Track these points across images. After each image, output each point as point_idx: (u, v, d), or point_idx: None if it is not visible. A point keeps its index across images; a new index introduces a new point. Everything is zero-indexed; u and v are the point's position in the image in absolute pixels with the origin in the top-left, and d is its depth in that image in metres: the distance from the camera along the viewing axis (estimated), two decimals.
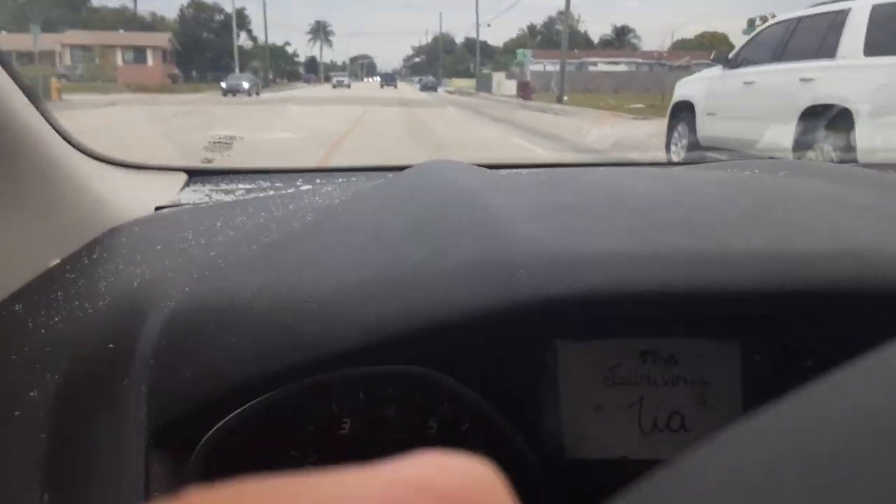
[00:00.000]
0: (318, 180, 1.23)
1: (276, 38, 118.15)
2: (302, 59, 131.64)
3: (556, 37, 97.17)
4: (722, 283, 0.54)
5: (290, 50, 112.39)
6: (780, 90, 6.58)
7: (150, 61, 51.97)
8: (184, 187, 1.19)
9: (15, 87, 0.76)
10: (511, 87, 46.16)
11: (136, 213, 0.93)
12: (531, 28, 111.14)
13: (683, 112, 8.28)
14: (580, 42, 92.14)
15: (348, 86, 60.50)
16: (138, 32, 59.33)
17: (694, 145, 7.74)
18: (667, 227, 0.61)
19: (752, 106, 6.88)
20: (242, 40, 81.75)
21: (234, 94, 29.76)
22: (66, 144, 0.89)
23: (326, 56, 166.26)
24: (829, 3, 6.45)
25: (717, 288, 0.54)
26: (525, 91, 35.39)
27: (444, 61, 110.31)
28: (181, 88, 44.54)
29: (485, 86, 58.08)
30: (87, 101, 18.71)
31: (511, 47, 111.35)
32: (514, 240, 0.59)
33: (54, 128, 0.86)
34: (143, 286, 0.66)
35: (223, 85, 31.87)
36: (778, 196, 0.74)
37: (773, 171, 0.93)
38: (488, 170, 0.95)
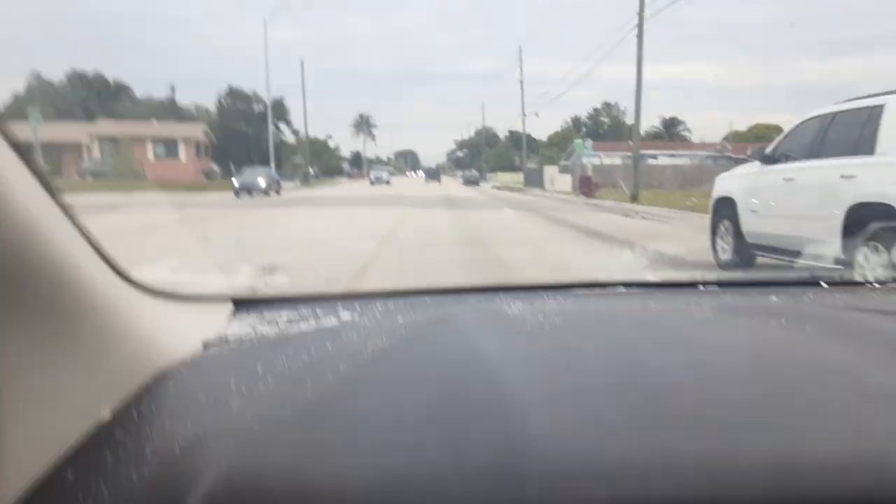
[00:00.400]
0: (357, 305, 1.25)
1: (318, 132, 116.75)
2: (346, 153, 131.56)
3: (602, 129, 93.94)
4: (729, 498, 0.55)
5: (332, 144, 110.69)
6: (821, 187, 6.40)
7: (182, 156, 49.28)
8: (231, 318, 1.19)
9: (58, 210, 0.76)
10: (565, 181, 41.82)
11: (184, 350, 0.93)
12: (575, 120, 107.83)
13: (725, 208, 8.19)
14: (626, 134, 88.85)
15: (388, 182, 56.36)
16: (171, 123, 57.09)
17: (740, 243, 7.64)
18: (677, 421, 0.65)
19: (795, 203, 6.71)
20: (283, 133, 79.97)
21: (250, 193, 25.76)
22: (113, 275, 0.88)
23: (371, 150, 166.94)
24: (863, 97, 6.36)
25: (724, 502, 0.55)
26: (587, 186, 31.04)
27: (486, 155, 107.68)
28: (214, 185, 41.12)
29: (534, 180, 53.87)
30: (89, 204, 17.28)
31: (555, 140, 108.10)
32: (526, 439, 0.63)
33: (100, 255, 0.85)
34: (185, 452, 0.68)
35: (235, 183, 28.19)
36: (796, 374, 0.75)
37: (801, 324, 0.94)
38: (509, 320, 1.01)
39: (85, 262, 0.78)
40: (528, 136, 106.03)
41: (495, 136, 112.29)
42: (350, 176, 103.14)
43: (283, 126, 74.91)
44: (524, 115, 58.75)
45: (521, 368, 0.77)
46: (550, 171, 47.08)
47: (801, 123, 7.24)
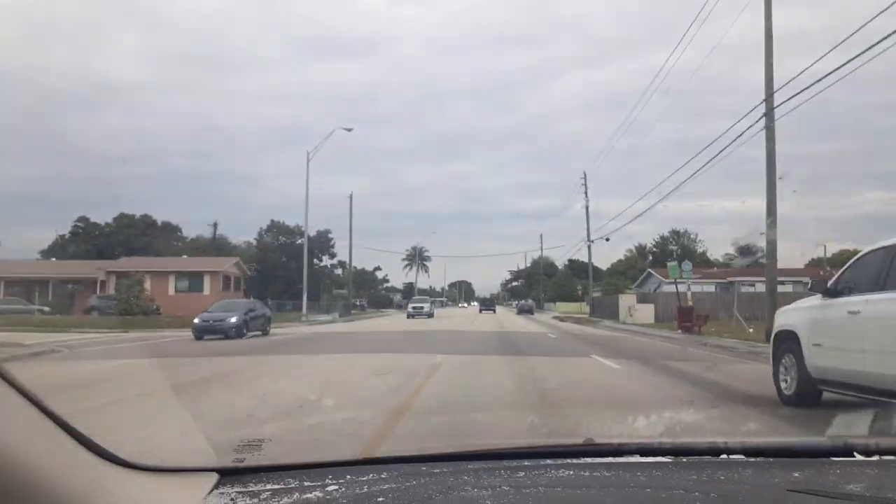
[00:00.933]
0: (348, 476, 1.22)
1: (369, 264, 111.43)
2: (399, 284, 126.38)
3: (670, 258, 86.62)
4: None
5: (380, 275, 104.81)
6: (890, 321, 6.15)
7: (206, 289, 44.34)
8: (212, 490, 1.15)
9: (18, 398, 0.76)
10: (646, 312, 34.37)
11: None
12: (640, 248, 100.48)
13: (787, 342, 8.00)
14: (699, 263, 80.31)
15: (430, 314, 48.46)
16: (200, 258, 53.02)
17: (804, 378, 7.36)
18: None
19: (861, 337, 6.45)
20: (329, 263, 75.35)
21: (220, 335, 19.25)
22: (85, 452, 0.86)
23: (424, 282, 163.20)
24: None
25: None
26: (689, 319, 23.61)
27: (545, 284, 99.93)
28: None
29: (604, 310, 46.42)
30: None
31: (620, 268, 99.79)
32: None
33: (70, 434, 0.83)
34: None
35: (195, 321, 20.75)
36: None
37: None
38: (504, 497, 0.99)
39: (54, 447, 0.77)
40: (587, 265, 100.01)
41: (552, 265, 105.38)
42: (401, 307, 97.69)
43: (327, 259, 71.13)
44: (590, 240, 52.42)
45: None
46: (627, 300, 39.85)
47: (865, 255, 7.12)
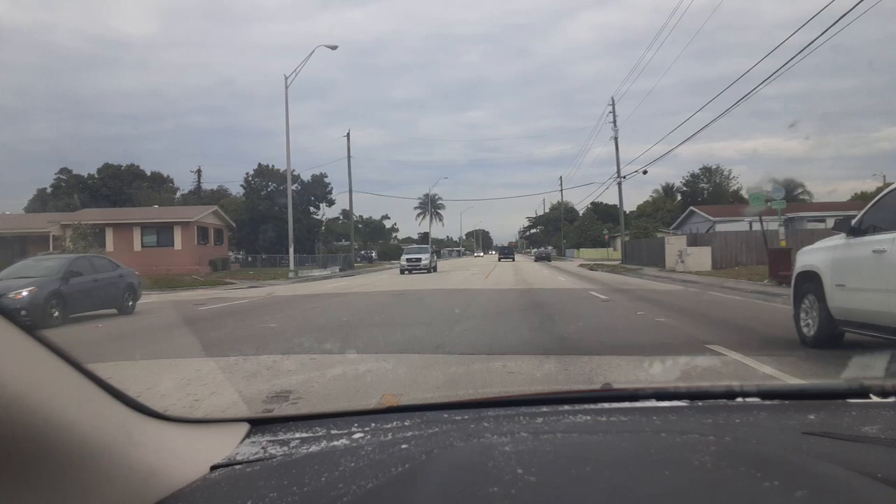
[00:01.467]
0: (372, 424, 1.27)
1: (375, 212, 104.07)
2: (414, 235, 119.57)
3: (702, 196, 78.90)
4: None
5: (388, 223, 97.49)
6: None
7: (177, 243, 38.17)
8: (244, 439, 1.20)
9: (53, 358, 0.80)
10: (701, 257, 27.63)
11: (191, 474, 0.95)
12: (667, 189, 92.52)
13: (809, 283, 7.81)
14: (733, 202, 72.99)
15: (430, 267, 38.51)
16: (174, 208, 46.79)
17: (826, 319, 7.24)
18: None
19: (886, 277, 6.23)
20: (327, 214, 68.32)
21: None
22: (118, 405, 0.91)
23: (439, 231, 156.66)
24: None
25: None
26: (784, 265, 16.95)
27: (566, 230, 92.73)
28: (214, 278, 29.55)
29: (638, 256, 39.72)
30: None
31: (647, 210, 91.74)
32: None
33: (104, 388, 0.88)
34: None
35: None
36: None
37: (839, 457, 0.92)
38: (528, 442, 1.01)
39: (86, 400, 0.82)
40: (614, 208, 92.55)
41: (572, 210, 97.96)
42: None
43: (325, 207, 64.70)
44: (621, 176, 45.40)
45: (529, 497, 0.76)
46: (676, 244, 32.84)
47: (889, 193, 6.85)
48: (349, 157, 49.20)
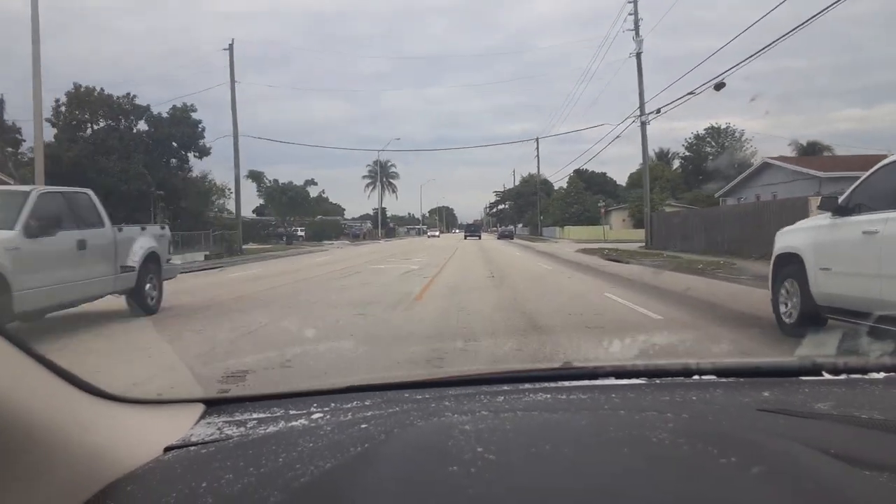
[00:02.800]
0: (332, 404, 1.25)
1: (328, 191, 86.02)
2: (369, 210, 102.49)
3: (707, 162, 63.87)
4: None
5: (314, 191, 68.62)
6: None
7: None
8: (199, 419, 1.18)
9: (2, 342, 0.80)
10: None
11: (143, 456, 0.93)
12: (662, 154, 77.26)
13: (790, 266, 7.33)
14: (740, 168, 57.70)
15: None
16: None
17: (808, 306, 6.83)
18: None
19: (879, 260, 5.84)
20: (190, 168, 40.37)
21: None
22: (69, 387, 0.90)
23: (396, 207, 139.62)
24: None
25: None
26: None
27: (545, 204, 77.09)
28: None
29: (688, 236, 24.55)
30: None
31: (639, 180, 75.63)
32: None
33: (53, 370, 0.88)
34: None
35: None
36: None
37: (789, 432, 0.94)
38: (485, 421, 1.00)
39: (29, 381, 0.81)
40: (602, 178, 77.06)
41: (546, 182, 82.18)
42: (355, 236, 74.25)
43: (195, 158, 39.51)
44: (644, 114, 29.87)
45: (489, 476, 0.76)
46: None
47: (881, 169, 6.33)
48: (233, 79, 32.56)
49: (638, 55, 30.24)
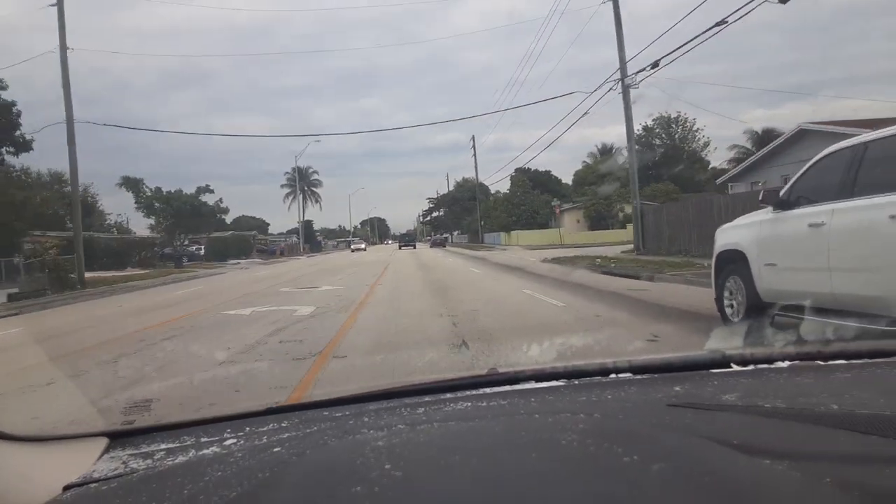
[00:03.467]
0: (247, 428, 1.19)
1: (252, 210, 76.07)
2: (293, 224, 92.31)
3: (657, 153, 58.24)
4: None
5: (210, 200, 56.22)
6: (864, 231, 5.35)
7: None
8: (102, 454, 1.12)
9: None
10: None
11: (40, 497, 0.88)
12: (605, 150, 72.06)
13: (733, 264, 7.12)
14: (698, 168, 59.65)
15: None
16: None
17: (755, 303, 6.59)
18: None
19: (827, 253, 5.66)
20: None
21: None
22: None
23: (323, 219, 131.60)
24: None
25: None
26: None
27: (485, 206, 69.85)
28: None
29: (693, 235, 17.18)
30: None
31: (585, 179, 70.34)
32: None
33: None
34: None
35: None
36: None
37: (699, 427, 0.96)
38: (405, 435, 0.98)
39: None
40: (547, 176, 70.09)
41: (483, 185, 75.86)
42: (272, 253, 64.55)
43: (11, 156, 27.52)
44: (626, 75, 22.40)
45: (393, 494, 0.75)
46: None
47: (822, 159, 6.12)
48: (63, 43, 23.48)
49: (615, 11, 23.06)
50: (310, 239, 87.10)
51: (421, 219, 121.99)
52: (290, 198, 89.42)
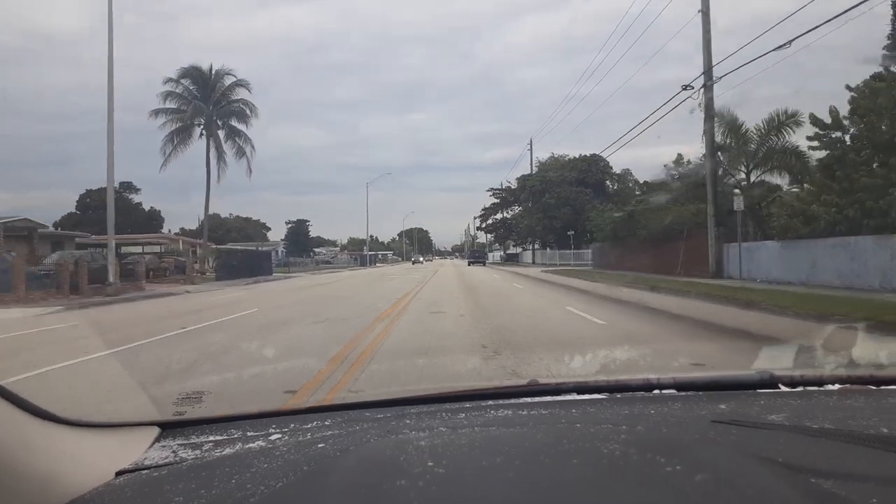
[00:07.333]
0: (292, 424, 1.25)
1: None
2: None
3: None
4: None
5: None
6: None
7: None
8: (154, 443, 1.16)
9: None
10: None
11: (93, 481, 0.91)
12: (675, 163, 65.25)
13: None
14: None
15: None
16: None
17: None
18: None
19: None
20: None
21: None
22: (10, 407, 0.87)
23: (335, 232, 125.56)
24: None
25: None
26: None
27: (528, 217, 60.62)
28: None
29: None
30: None
31: (655, 188, 62.37)
32: None
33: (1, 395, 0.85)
34: None
35: None
36: None
37: (748, 448, 0.93)
38: (445, 439, 0.98)
39: None
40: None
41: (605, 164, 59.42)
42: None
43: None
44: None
45: (436, 489, 0.76)
46: None
47: None
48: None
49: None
50: (301, 246, 75.97)
51: (482, 220, 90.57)
52: (176, 142, 42.65)
